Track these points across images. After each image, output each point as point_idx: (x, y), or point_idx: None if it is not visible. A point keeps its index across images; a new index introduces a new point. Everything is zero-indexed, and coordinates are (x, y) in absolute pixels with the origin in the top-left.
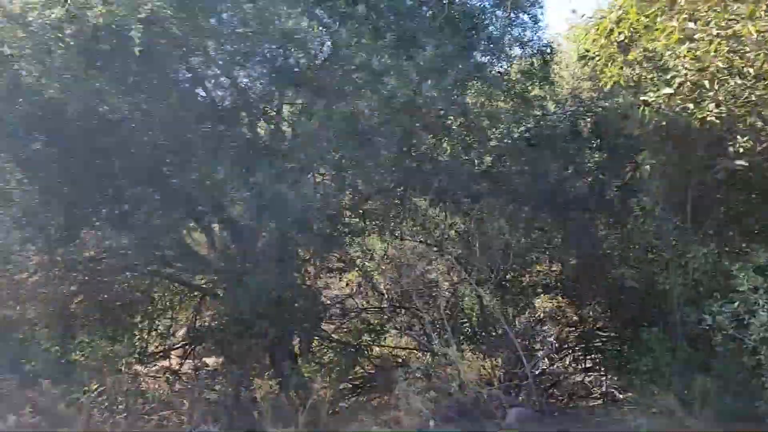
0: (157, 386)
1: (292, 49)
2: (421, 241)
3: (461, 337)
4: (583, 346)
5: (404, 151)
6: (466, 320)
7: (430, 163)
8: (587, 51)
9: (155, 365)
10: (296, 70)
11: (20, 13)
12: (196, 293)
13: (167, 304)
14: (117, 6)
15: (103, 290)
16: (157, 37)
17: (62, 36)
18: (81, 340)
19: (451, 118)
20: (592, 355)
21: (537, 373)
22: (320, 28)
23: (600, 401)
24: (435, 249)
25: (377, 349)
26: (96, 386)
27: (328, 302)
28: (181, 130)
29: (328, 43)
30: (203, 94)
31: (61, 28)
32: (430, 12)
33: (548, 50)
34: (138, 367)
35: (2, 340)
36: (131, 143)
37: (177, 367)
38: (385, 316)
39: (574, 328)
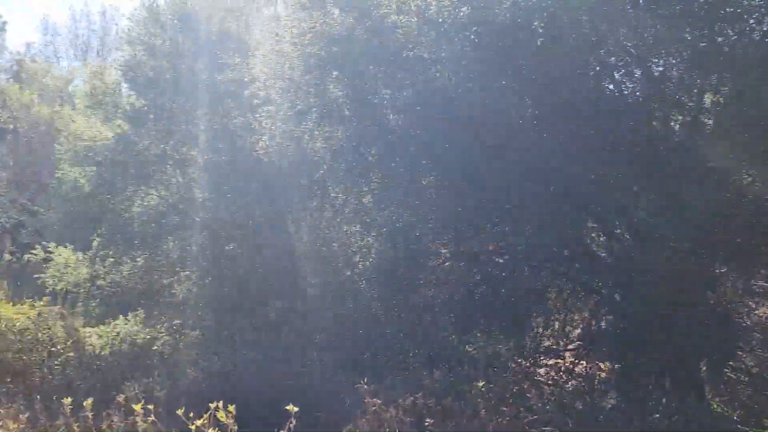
0: (546, 387)
1: (720, 27)
2: None
3: None
4: None
5: None
6: None
7: None
8: None
9: (546, 362)
10: (725, 50)
11: (436, 17)
12: (592, 295)
13: (562, 302)
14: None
15: (500, 284)
16: (563, 29)
17: (469, 34)
18: (475, 333)
19: None
20: None
21: None
22: None
23: None
24: None
25: None
26: (482, 382)
27: (749, 329)
28: (585, 126)
29: None
30: (610, 87)
31: (470, 27)
32: None
33: None
34: (527, 363)
35: (414, 320)
36: (533, 141)
37: (570, 366)
38: None
39: None
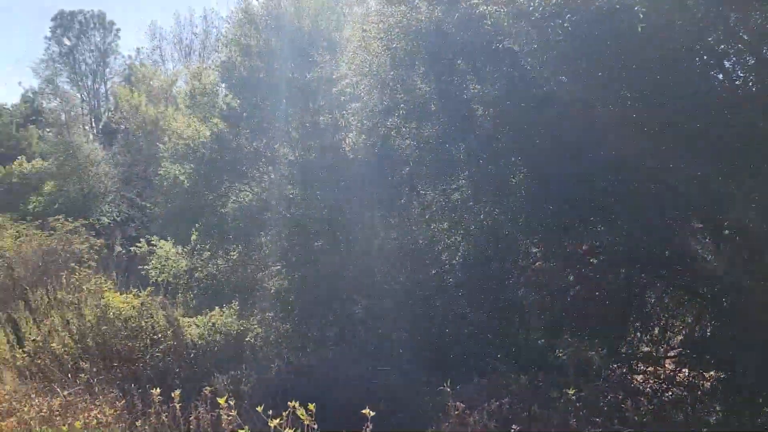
0: (642, 398)
1: None
2: None
3: None
4: None
5: None
6: None
7: None
8: None
9: (644, 370)
10: None
11: (526, 6)
12: (696, 300)
13: (663, 307)
14: None
15: (595, 286)
16: (668, 14)
17: (562, 22)
18: (566, 337)
19: None
20: None
21: None
22: None
23: None
24: None
25: None
26: (573, 389)
27: None
28: (691, 119)
29: None
30: (720, 76)
31: (563, 15)
32: None
33: None
34: (622, 370)
35: (501, 321)
36: (632, 135)
37: (671, 374)
38: None
39: None
